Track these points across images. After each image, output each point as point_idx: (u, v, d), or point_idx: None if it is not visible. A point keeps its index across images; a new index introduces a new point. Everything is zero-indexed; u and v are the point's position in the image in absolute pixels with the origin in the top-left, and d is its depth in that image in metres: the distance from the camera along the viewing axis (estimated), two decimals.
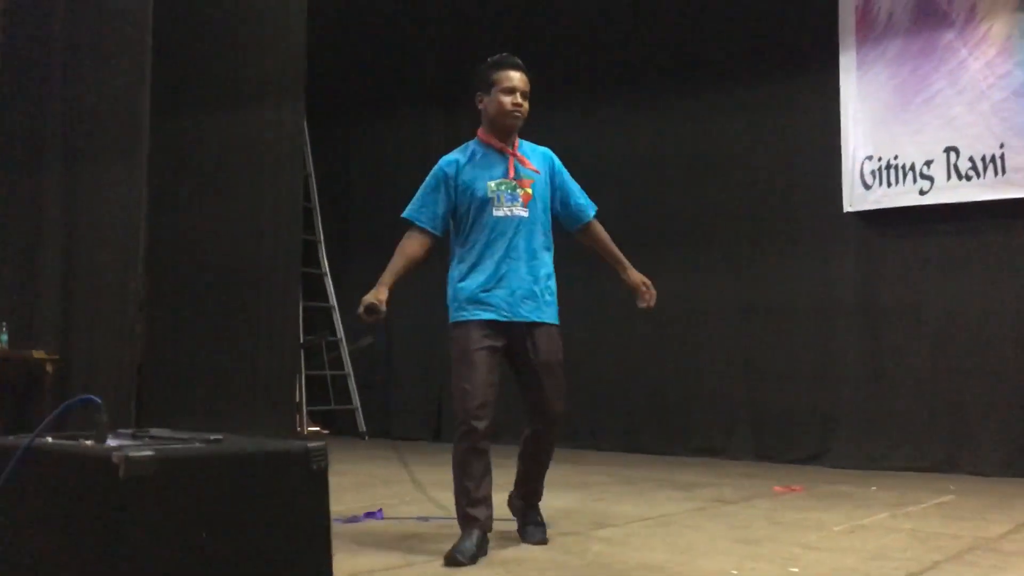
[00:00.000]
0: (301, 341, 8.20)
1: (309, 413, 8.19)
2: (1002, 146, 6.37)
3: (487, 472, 3.61)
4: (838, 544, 3.92)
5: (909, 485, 5.82)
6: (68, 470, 1.82)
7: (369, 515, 4.38)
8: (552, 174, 3.87)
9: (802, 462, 6.92)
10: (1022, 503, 5.13)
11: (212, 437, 1.88)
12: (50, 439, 1.91)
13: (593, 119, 8.13)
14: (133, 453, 1.71)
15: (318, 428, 8.93)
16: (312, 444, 1.91)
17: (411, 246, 3.79)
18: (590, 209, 3.96)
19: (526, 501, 3.90)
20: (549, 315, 3.77)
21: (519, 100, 3.72)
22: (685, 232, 7.64)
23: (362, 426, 8.78)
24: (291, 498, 1.88)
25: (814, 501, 5.17)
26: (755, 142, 7.40)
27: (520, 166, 3.77)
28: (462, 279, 3.72)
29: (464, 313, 3.68)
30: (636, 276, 3.94)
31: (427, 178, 3.83)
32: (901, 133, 6.75)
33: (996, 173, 6.40)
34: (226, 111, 8.23)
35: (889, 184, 6.78)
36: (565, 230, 4.00)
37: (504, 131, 3.77)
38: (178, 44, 8.20)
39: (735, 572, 3.34)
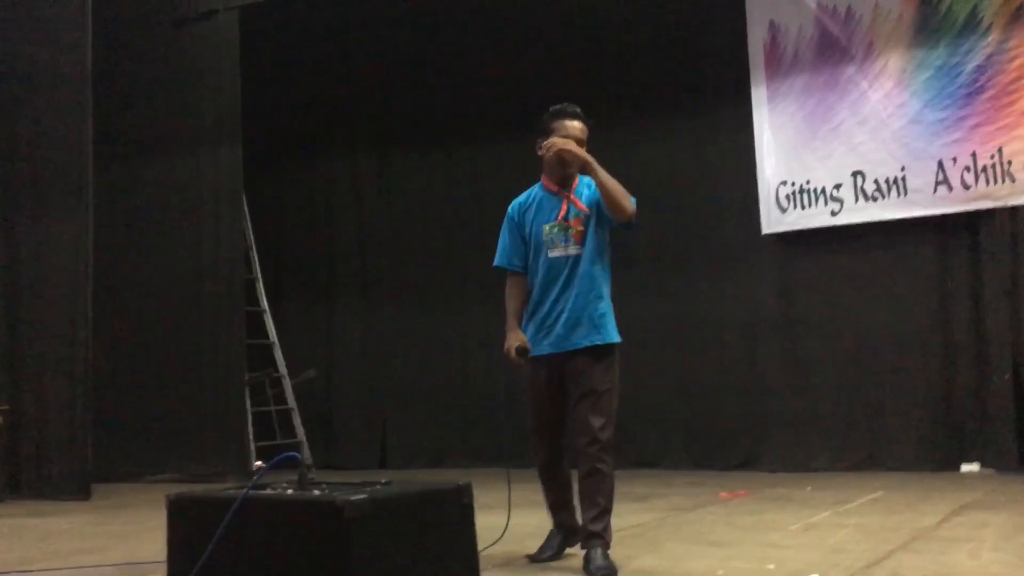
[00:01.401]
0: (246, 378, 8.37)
1: (256, 448, 8.32)
2: (903, 169, 7.01)
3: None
4: (798, 541, 4.37)
5: (839, 484, 6.35)
6: (291, 516, 2.09)
7: None
8: (596, 198, 3.93)
9: (736, 468, 7.44)
10: (943, 495, 5.67)
11: (383, 481, 2.18)
12: (263, 490, 2.19)
13: (515, 149, 8.55)
14: (353, 497, 2.01)
15: (259, 463, 9.07)
16: (462, 483, 2.22)
17: (516, 289, 4.06)
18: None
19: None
20: (596, 339, 3.89)
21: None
22: (615, 257, 8.06)
23: (308, 459, 8.96)
24: (453, 529, 2.20)
25: (762, 504, 5.64)
26: (677, 171, 7.91)
27: (572, 207, 3.93)
28: (527, 320, 4.00)
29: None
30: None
31: (503, 224, 4.09)
32: (812, 160, 7.34)
33: (899, 194, 7.03)
34: (165, 155, 8.40)
35: (803, 207, 7.36)
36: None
37: (562, 177, 3.96)
38: (116, 93, 8.35)
39: (721, 572, 3.74)
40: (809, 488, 6.21)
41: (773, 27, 7.52)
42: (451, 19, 8.61)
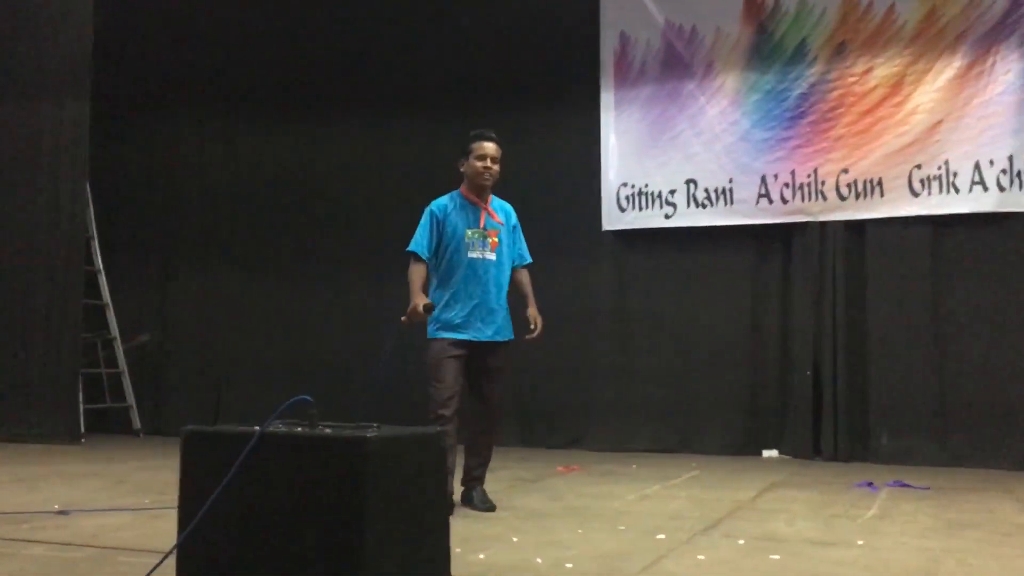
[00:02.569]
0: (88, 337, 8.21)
1: (84, 411, 8.17)
2: (731, 181, 7.69)
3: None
4: (639, 508, 4.87)
5: (659, 463, 6.95)
6: (311, 450, 2.30)
7: None
8: (510, 230, 4.91)
9: (564, 447, 7.95)
10: (752, 475, 6.34)
11: (375, 424, 2.42)
12: (276, 428, 2.38)
13: (365, 124, 8.79)
14: (370, 434, 2.25)
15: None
16: (439, 428, 2.50)
17: (420, 272, 4.70)
18: (527, 258, 5.06)
19: None
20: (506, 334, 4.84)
21: (489, 165, 4.71)
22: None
23: (137, 424, 8.86)
24: (434, 469, 2.48)
25: (596, 477, 6.15)
26: (526, 166, 8.23)
27: (489, 218, 4.77)
28: (442, 308, 4.63)
29: (439, 333, 4.65)
30: (534, 312, 4.91)
31: (422, 217, 4.74)
32: (651, 165, 7.93)
33: (726, 203, 7.71)
34: (3, 103, 8.11)
35: (640, 208, 7.95)
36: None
37: (478, 189, 4.74)
38: None
39: (580, 531, 4.17)
40: (634, 466, 6.78)
41: (623, 37, 8.06)
42: None
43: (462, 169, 4.81)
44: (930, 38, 7.26)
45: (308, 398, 2.49)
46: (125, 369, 8.88)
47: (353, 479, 2.22)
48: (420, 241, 4.72)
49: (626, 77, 8.05)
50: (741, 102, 7.74)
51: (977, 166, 7.08)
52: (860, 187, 7.37)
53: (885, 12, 7.39)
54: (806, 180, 7.50)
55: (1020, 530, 4.29)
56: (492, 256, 4.75)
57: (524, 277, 5.03)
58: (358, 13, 8.72)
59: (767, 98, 7.66)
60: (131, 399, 8.85)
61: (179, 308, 9.29)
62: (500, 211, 4.89)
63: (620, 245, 8.05)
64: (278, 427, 2.47)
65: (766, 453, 7.63)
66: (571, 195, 8.15)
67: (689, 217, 7.81)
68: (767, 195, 7.60)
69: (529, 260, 5.09)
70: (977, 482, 6.07)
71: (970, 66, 7.15)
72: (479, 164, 4.71)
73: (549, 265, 8.11)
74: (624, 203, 7.97)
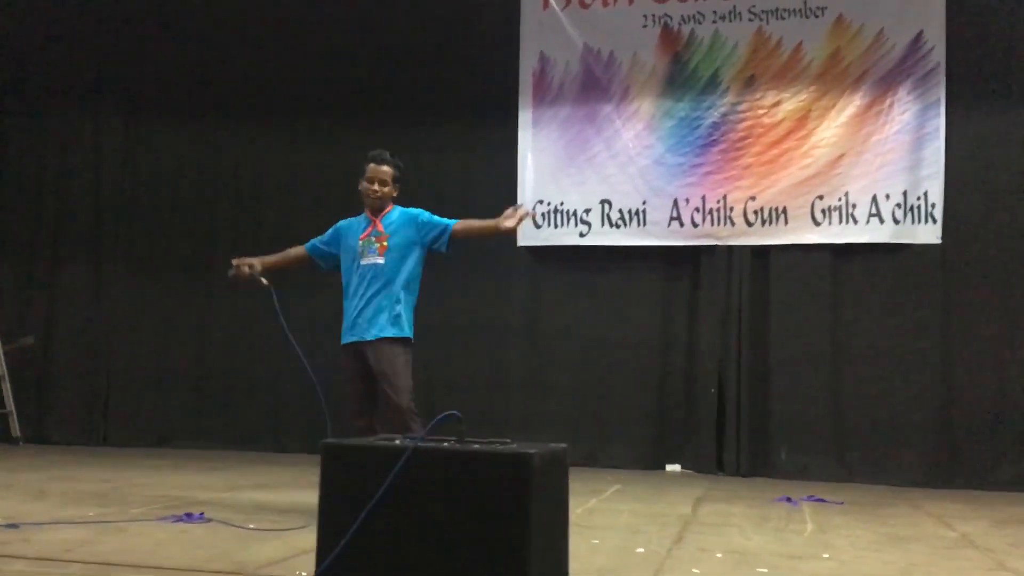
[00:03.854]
0: None
1: None
2: (644, 203, 7.94)
3: None
4: (596, 522, 4.96)
5: (578, 477, 6.99)
6: (472, 466, 2.27)
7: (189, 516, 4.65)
8: (416, 225, 4.98)
9: None
10: (674, 490, 6.52)
11: (505, 440, 2.41)
12: (427, 444, 2.32)
13: (268, 130, 8.64)
14: (532, 450, 2.25)
15: None
16: (563, 445, 2.52)
17: (292, 253, 5.19)
18: (449, 222, 4.99)
19: None
20: (390, 332, 4.85)
21: (376, 187, 4.97)
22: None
23: (16, 431, 8.38)
24: (564, 484, 2.50)
25: None
26: (443, 179, 8.33)
27: (375, 229, 4.96)
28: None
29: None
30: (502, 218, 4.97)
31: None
32: (567, 184, 8.09)
33: (639, 224, 7.95)
34: None
35: (555, 226, 8.09)
36: (449, 251, 5.04)
37: (369, 206, 5.02)
38: None
39: None
40: None
41: (543, 58, 8.20)
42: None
43: (360, 188, 5.05)
44: (834, 76, 7.72)
45: (456, 413, 2.48)
46: (5, 374, 8.39)
47: (519, 494, 2.24)
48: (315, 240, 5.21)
49: (544, 97, 8.20)
50: (656, 127, 8.00)
51: (874, 199, 7.55)
52: (766, 214, 7.74)
53: (793, 49, 7.80)
54: (716, 206, 7.82)
55: (959, 543, 4.61)
56: (381, 260, 4.90)
57: (465, 224, 5.06)
58: (272, 18, 8.57)
59: (681, 125, 7.95)
60: (10, 405, 8.37)
61: (66, 311, 8.84)
62: (399, 219, 5.00)
63: (535, 261, 8.17)
64: (425, 443, 2.43)
65: (669, 467, 7.89)
66: (488, 211, 8.02)
67: (603, 236, 8.00)
68: (679, 218, 7.88)
69: (453, 221, 5.03)
70: (882, 497, 6.46)
71: (870, 105, 7.64)
72: (366, 186, 4.99)
73: (464, 280, 8.23)
74: (540, 220, 8.10)
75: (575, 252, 8.06)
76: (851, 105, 7.67)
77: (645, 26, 8.05)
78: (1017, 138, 7.42)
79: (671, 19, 8.02)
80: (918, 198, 7.49)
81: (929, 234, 7.47)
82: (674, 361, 7.98)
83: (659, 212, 7.91)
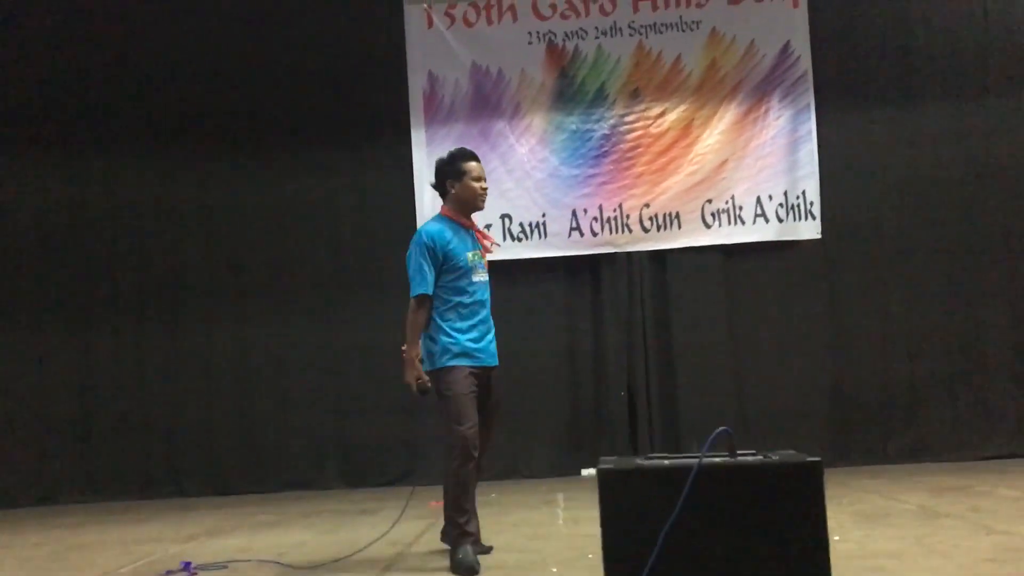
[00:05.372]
0: None
1: None
2: (544, 215, 8.11)
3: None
4: (575, 533, 5.06)
5: (511, 490, 7.18)
6: (760, 479, 2.36)
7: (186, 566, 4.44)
8: None
9: (391, 484, 7.92)
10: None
11: (752, 451, 2.47)
12: (696, 460, 2.32)
13: (157, 160, 8.28)
14: (810, 459, 2.34)
15: None
16: (817, 458, 2.58)
17: (423, 317, 4.60)
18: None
19: None
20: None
21: (485, 185, 4.66)
22: (271, 283, 8.19)
23: None
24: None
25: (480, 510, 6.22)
26: (336, 201, 8.23)
27: (478, 242, 4.72)
28: (454, 332, 4.44)
29: (456, 360, 4.42)
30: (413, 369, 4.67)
31: (414, 251, 4.50)
32: None
33: (540, 236, 8.12)
34: None
35: None
36: None
37: (472, 211, 4.67)
38: None
39: (554, 569, 4.32)
40: (493, 495, 6.93)
41: (432, 77, 8.23)
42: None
43: (452, 191, 4.68)
44: (713, 86, 8.15)
45: (728, 429, 2.52)
46: None
47: (813, 501, 2.34)
48: (424, 279, 4.56)
49: (436, 115, 8.23)
50: (549, 141, 8.20)
51: (759, 200, 8.03)
52: (661, 220, 8.08)
53: (673, 61, 8.18)
54: (613, 214, 8.10)
55: (930, 514, 5.00)
56: (486, 277, 4.75)
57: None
58: (154, 41, 8.22)
59: (573, 137, 8.18)
60: None
61: None
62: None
63: None
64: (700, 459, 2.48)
65: (584, 472, 8.08)
66: (387, 231, 8.15)
67: (506, 250, 8.09)
68: (578, 228, 8.10)
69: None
70: None
71: (747, 112, 8.12)
72: (477, 185, 4.66)
73: (367, 301, 8.17)
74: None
75: None
76: (730, 113, 8.12)
77: (531, 43, 8.23)
78: (882, 136, 8.07)
79: (555, 36, 8.23)
80: (797, 197, 8.02)
81: (810, 230, 8.02)
82: (583, 367, 8.18)
83: (558, 223, 8.11)
